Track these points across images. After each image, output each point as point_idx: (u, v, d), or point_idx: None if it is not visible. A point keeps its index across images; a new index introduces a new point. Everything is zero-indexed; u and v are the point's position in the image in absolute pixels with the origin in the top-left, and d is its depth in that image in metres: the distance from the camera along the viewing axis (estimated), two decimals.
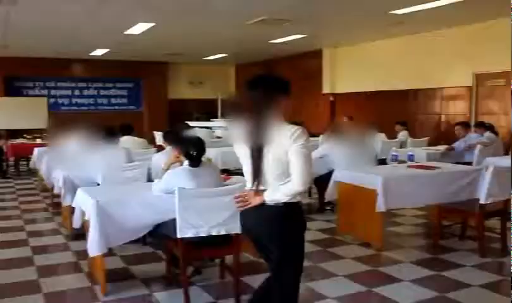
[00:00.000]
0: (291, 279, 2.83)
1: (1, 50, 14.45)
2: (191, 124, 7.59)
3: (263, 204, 2.77)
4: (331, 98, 15.34)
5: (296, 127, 2.70)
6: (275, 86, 2.78)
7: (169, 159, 4.45)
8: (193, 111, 18.72)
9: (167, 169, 4.37)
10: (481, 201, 5.31)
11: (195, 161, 4.17)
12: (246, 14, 10.05)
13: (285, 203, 2.73)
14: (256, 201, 2.78)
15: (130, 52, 15.58)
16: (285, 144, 2.67)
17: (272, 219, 2.76)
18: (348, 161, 6.74)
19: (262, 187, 2.76)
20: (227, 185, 4.25)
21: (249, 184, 2.83)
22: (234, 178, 5.18)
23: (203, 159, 4.26)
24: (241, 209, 2.87)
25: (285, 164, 2.70)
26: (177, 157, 4.38)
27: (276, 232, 2.77)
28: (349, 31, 12.40)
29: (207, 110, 18.49)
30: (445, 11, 9.65)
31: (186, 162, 4.21)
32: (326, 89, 15.54)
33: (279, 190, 2.72)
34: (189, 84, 19.90)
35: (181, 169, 4.19)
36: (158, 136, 12.29)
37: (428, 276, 4.71)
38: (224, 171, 7.37)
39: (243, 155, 2.85)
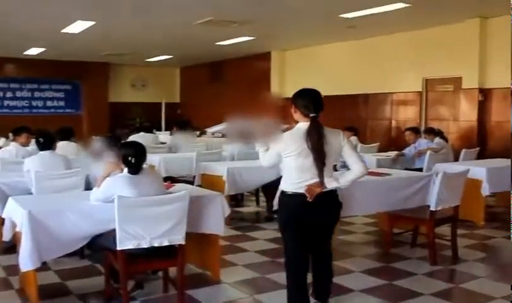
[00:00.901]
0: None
1: None
2: (209, 130, 7.46)
3: (325, 192, 3.72)
4: (280, 103, 15.46)
5: (337, 129, 3.85)
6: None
7: (109, 166, 4.36)
8: (136, 115, 18.50)
9: (107, 176, 4.28)
10: (432, 208, 5.42)
11: (135, 168, 4.12)
12: (192, 15, 10.01)
13: (336, 189, 3.80)
14: (319, 190, 3.71)
15: (68, 52, 15.28)
16: (338, 142, 3.76)
17: (335, 202, 3.85)
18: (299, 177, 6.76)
19: (315, 180, 3.69)
20: (170, 194, 4.21)
21: (304, 178, 3.71)
22: (178, 185, 5.12)
23: (144, 166, 4.21)
24: (311, 199, 3.70)
25: (336, 158, 3.81)
26: (117, 164, 4.29)
27: (337, 212, 3.89)
28: (298, 34, 12.54)
29: (150, 114, 18.31)
30: (395, 16, 9.89)
31: (126, 170, 4.16)
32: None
33: (343, 178, 3.77)
34: (132, 87, 19.73)
35: (120, 176, 4.13)
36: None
37: (379, 286, 4.77)
38: (167, 178, 7.31)
39: (295, 154, 3.69)
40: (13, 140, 7.41)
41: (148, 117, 18.03)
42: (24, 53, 15.40)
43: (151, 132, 12.26)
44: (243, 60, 16.55)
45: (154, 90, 19.71)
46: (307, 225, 3.76)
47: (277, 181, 6.41)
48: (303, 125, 3.73)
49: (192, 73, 19.53)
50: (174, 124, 11.53)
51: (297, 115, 3.81)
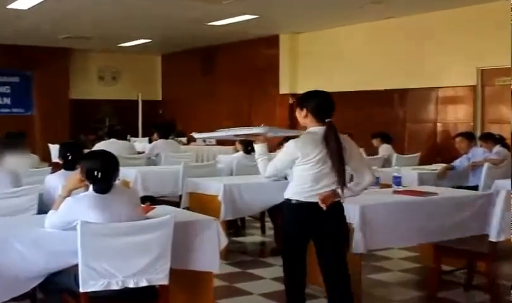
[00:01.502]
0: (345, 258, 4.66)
1: None
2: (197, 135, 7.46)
3: (335, 202, 4.48)
4: (291, 101, 15.46)
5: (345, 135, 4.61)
6: None
7: (70, 182, 4.35)
8: (105, 116, 18.52)
9: (67, 196, 4.25)
10: (492, 238, 5.39)
11: (103, 186, 4.11)
12: None
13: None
14: (333, 199, 4.46)
15: (15, 34, 15.32)
16: (351, 148, 4.54)
17: (342, 211, 4.61)
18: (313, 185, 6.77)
19: (329, 188, 4.46)
20: (149, 219, 4.18)
21: (318, 186, 4.44)
22: (159, 208, 5.10)
23: (116, 182, 4.20)
24: (326, 208, 4.42)
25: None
26: (82, 180, 4.28)
27: (345, 224, 4.71)
28: (313, 12, 12.54)
29: (124, 115, 18.32)
30: None
31: (91, 187, 4.15)
32: (284, 89, 15.66)
33: (356, 187, 4.57)
34: (100, 79, 19.79)
35: (84, 196, 4.12)
36: (55, 150, 12.01)
37: None
38: (145, 199, 7.29)
39: (315, 161, 4.40)
40: None
41: (121, 119, 18.04)
42: None
43: (124, 138, 12.28)
44: (243, 46, 16.57)
45: (128, 84, 19.76)
46: (317, 237, 4.56)
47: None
48: (317, 130, 4.44)
49: (177, 62, 19.55)
50: (154, 128, 11.53)
51: (308, 120, 4.51)
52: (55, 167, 7.66)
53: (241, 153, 9.03)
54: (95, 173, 4.10)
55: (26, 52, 17.55)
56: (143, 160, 10.26)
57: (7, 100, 18.51)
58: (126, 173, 8.24)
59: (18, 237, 4.11)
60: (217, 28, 14.16)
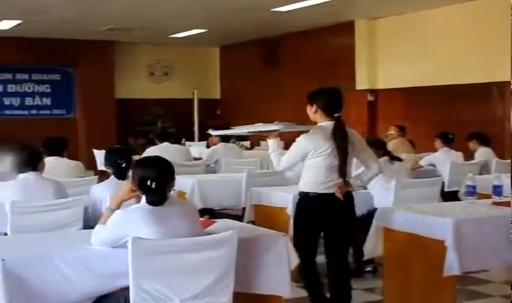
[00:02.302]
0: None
1: None
2: (214, 132, 7.76)
3: (347, 192, 5.52)
4: (369, 97, 15.36)
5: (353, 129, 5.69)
6: None
7: (119, 193, 4.39)
8: (156, 118, 18.63)
9: (116, 208, 4.30)
10: None
11: (157, 197, 4.14)
12: None
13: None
14: (347, 188, 5.49)
15: (54, 26, 15.60)
16: (357, 141, 5.57)
17: (353, 200, 5.61)
18: (398, 195, 6.82)
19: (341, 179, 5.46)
20: (209, 234, 4.19)
21: (332, 177, 5.42)
22: (220, 222, 5.12)
23: (170, 193, 4.23)
24: (342, 197, 5.44)
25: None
26: (133, 190, 4.32)
27: (353, 211, 5.65)
28: None
29: (177, 116, 18.45)
30: None
31: (144, 198, 4.18)
32: (361, 84, 15.55)
33: (364, 176, 5.67)
34: (150, 75, 19.93)
35: (136, 208, 4.16)
36: (100, 157, 12.19)
37: None
38: (204, 212, 7.33)
39: (327, 153, 5.37)
40: None
41: (174, 121, 18.18)
42: None
43: (179, 142, 12.35)
44: (312, 35, 16.52)
45: (182, 80, 19.89)
46: (329, 226, 5.52)
47: (369, 216, 6.41)
48: (327, 124, 5.48)
49: (236, 54, 19.63)
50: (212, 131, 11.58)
51: (317, 115, 5.54)
52: (102, 176, 7.78)
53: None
54: (149, 182, 4.12)
55: (67, 47, 17.86)
56: (201, 168, 10.31)
57: (46, 100, 18.89)
58: (182, 182, 8.27)
59: (61, 255, 4.16)
60: (283, 15, 14.16)
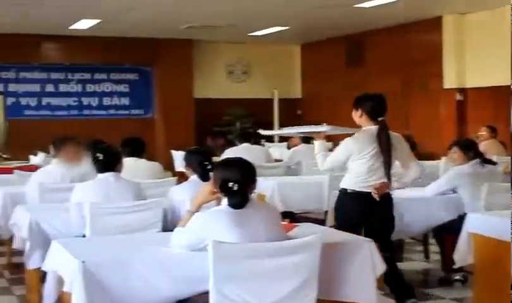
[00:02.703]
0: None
1: None
2: (264, 132, 8.08)
3: (387, 193, 6.03)
4: (458, 97, 15.16)
5: (397, 133, 6.18)
6: None
7: (200, 195, 4.44)
8: (235, 118, 18.68)
9: (197, 211, 4.36)
10: None
11: (239, 199, 4.18)
12: None
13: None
14: (386, 189, 5.99)
15: (133, 25, 15.86)
16: (400, 145, 6.06)
17: (391, 201, 6.15)
18: (490, 201, 6.72)
19: (382, 180, 5.96)
20: (291, 239, 4.22)
21: (372, 178, 5.94)
22: (303, 226, 5.14)
23: (251, 196, 4.26)
24: (379, 197, 5.92)
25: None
26: (214, 192, 4.37)
27: (391, 211, 6.19)
28: None
29: (257, 116, 18.48)
30: None
31: (225, 201, 4.23)
32: (449, 83, 15.34)
33: (404, 178, 6.15)
34: (229, 75, 20.03)
35: (217, 211, 4.21)
36: (179, 158, 12.33)
37: None
38: (285, 215, 7.33)
39: (369, 155, 5.88)
40: (55, 156, 7.73)
41: (254, 121, 18.23)
42: (71, 27, 16.14)
43: (258, 143, 12.36)
44: (396, 32, 16.37)
45: (262, 79, 19.94)
46: (368, 224, 5.99)
47: (458, 221, 6.36)
48: (371, 128, 5.96)
49: (318, 52, 19.57)
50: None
51: (362, 119, 6.03)
52: (180, 177, 7.87)
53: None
54: (231, 184, 4.15)
55: (145, 46, 18.14)
56: (282, 169, 10.32)
57: (125, 100, 19.18)
58: (262, 184, 8.15)
59: (141, 258, 4.26)
60: (367, 11, 14.10)
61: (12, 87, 18.07)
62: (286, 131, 7.68)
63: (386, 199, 6.06)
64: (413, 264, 8.50)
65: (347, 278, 4.59)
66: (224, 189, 4.20)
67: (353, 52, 18.07)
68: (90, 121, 18.21)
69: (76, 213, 5.87)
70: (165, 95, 18.78)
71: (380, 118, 5.91)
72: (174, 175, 9.03)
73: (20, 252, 6.83)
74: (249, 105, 19.01)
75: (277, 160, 11.25)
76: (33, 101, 18.28)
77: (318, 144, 6.22)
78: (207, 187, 4.52)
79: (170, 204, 5.92)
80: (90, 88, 18.83)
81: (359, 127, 6.08)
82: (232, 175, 4.18)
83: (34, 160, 12.16)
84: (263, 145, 13.53)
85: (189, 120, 18.54)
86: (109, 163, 6.05)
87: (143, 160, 8.07)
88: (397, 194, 6.68)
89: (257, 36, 18.06)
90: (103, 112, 18.90)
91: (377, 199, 5.91)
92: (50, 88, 18.48)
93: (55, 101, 18.49)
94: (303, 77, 20.56)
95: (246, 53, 19.90)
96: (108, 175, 6.02)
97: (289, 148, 12.17)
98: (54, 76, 18.49)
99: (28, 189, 7.38)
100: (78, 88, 18.71)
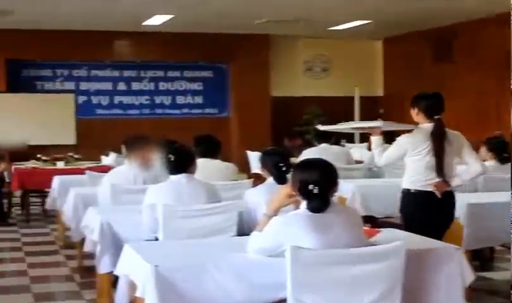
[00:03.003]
0: None
1: (1, 19, 15.17)
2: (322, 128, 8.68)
3: (448, 191, 6.28)
4: None
5: (457, 131, 6.50)
6: None
7: (277, 198, 4.42)
8: (313, 117, 18.63)
9: (274, 215, 4.34)
10: None
11: (320, 203, 4.15)
12: None
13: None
14: (447, 187, 6.25)
15: (207, 20, 15.98)
16: (459, 142, 6.35)
17: (454, 199, 6.42)
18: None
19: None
20: (374, 245, 4.20)
21: (431, 176, 6.23)
22: (386, 232, 5.10)
23: (332, 199, 4.23)
24: (440, 195, 6.24)
25: (455, 157, 6.39)
26: (291, 195, 4.35)
27: (453, 211, 6.46)
28: None
29: (336, 115, 18.39)
30: None
31: (304, 204, 4.20)
32: None
33: (464, 175, 6.39)
34: (307, 72, 20.02)
35: (295, 215, 4.19)
36: (255, 159, 12.34)
37: None
38: (365, 220, 7.28)
39: (425, 152, 6.22)
40: (127, 156, 7.80)
41: (333, 120, 18.11)
42: (144, 23, 16.36)
43: (338, 143, 12.28)
44: (489, 24, 16.09)
45: (342, 76, 19.86)
46: (430, 222, 6.14)
47: None
48: (427, 126, 6.33)
49: (402, 47, 19.38)
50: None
51: (419, 117, 6.41)
52: (256, 179, 7.87)
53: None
54: (312, 187, 4.13)
55: (220, 42, 18.21)
56: (362, 172, 10.25)
57: (198, 99, 19.34)
58: (342, 187, 8.12)
59: (215, 263, 4.27)
60: (456, 3, 13.89)
61: (83, 85, 18.44)
62: (341, 127, 7.97)
63: (449, 198, 6.33)
64: (504, 273, 8.33)
65: (433, 288, 4.53)
66: (303, 191, 4.19)
67: (441, 46, 17.80)
68: (163, 120, 18.41)
69: (149, 215, 5.91)
70: (241, 93, 18.88)
71: (436, 117, 6.27)
72: (249, 177, 9.03)
73: (91, 255, 6.91)
74: (329, 104, 18.92)
75: (357, 162, 11.14)
76: (104, 100, 18.63)
77: (374, 139, 6.57)
78: (285, 189, 4.51)
79: (246, 207, 5.93)
80: (163, 86, 19.07)
81: (417, 124, 6.46)
82: (313, 177, 4.16)
83: (106, 160, 12.34)
84: (343, 145, 13.42)
85: (266, 120, 18.56)
86: (181, 164, 6.08)
87: (218, 161, 8.10)
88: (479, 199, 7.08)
89: (337, 30, 17.99)
90: (177, 111, 19.11)
91: (439, 196, 6.23)
92: (122, 86, 18.79)
93: (127, 99, 18.80)
94: (386, 74, 20.42)
95: (326, 48, 19.87)
96: (180, 177, 6.05)
97: (370, 148, 12.03)
98: (126, 73, 18.79)
99: (100, 190, 7.48)
100: (151, 86, 18.96)
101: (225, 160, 8.57)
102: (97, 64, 18.41)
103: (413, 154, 6.28)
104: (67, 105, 17.23)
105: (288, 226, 4.12)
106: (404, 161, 6.42)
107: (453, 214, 6.47)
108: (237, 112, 18.90)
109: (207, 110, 19.32)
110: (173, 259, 4.41)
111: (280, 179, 5.74)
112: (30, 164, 12.38)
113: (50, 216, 11.57)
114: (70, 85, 18.28)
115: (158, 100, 19.01)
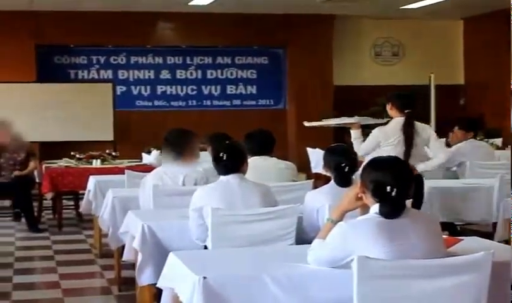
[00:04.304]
0: None
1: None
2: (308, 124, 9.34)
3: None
4: None
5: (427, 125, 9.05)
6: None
7: (343, 201, 4.41)
8: (383, 109, 18.45)
9: (339, 220, 4.33)
10: None
11: (393, 207, 4.13)
12: None
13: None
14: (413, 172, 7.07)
15: None
16: (427, 134, 8.32)
17: (420, 182, 7.92)
18: None
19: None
20: (453, 256, 4.16)
21: None
22: (467, 240, 5.07)
23: (407, 203, 4.22)
24: None
25: (423, 148, 8.39)
26: (359, 198, 4.32)
27: (421, 191, 7.92)
28: None
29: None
30: None
31: (375, 208, 4.18)
32: None
33: (429, 162, 8.24)
34: (375, 57, 19.97)
35: (365, 220, 4.17)
36: (316, 157, 12.32)
37: None
38: (443, 227, 7.24)
39: (395, 143, 7.95)
40: (169, 155, 7.81)
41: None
42: (190, 4, 16.42)
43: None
44: None
45: (416, 63, 19.69)
46: None
47: None
48: (399, 119, 8.13)
49: (487, 29, 19.16)
50: (456, 124, 11.33)
51: (393, 112, 8.27)
52: (317, 180, 7.86)
53: None
54: (389, 189, 4.10)
55: (276, 23, 18.20)
56: (440, 171, 10.17)
57: (252, 89, 19.27)
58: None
59: (271, 274, 4.27)
60: None
61: (122, 74, 18.51)
62: (326, 123, 9.67)
63: (416, 180, 7.24)
64: None
65: None
66: (378, 194, 4.16)
67: None
68: (211, 113, 18.45)
69: (196, 220, 5.96)
70: (300, 82, 18.80)
71: (407, 111, 8.14)
72: (309, 178, 9.02)
73: (131, 266, 6.94)
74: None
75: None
76: (146, 90, 18.67)
77: (354, 132, 8.41)
78: (352, 191, 4.49)
79: (306, 211, 5.94)
80: (212, 74, 19.04)
81: (391, 118, 8.35)
82: (387, 178, 4.14)
83: (147, 158, 12.39)
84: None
85: (328, 112, 18.35)
86: (233, 163, 6.08)
87: (274, 160, 8.13)
88: None
89: (410, 9, 17.87)
90: (227, 103, 19.10)
91: None
92: (165, 74, 18.80)
93: (171, 89, 18.82)
94: (467, 60, 20.21)
95: (397, 30, 19.78)
96: (231, 178, 6.05)
97: (449, 145, 11.87)
98: (170, 60, 18.80)
99: (141, 192, 7.52)
100: (198, 74, 18.94)
101: (282, 158, 8.55)
102: (137, 50, 18.47)
103: (385, 144, 8.01)
104: (104, 96, 17.24)
105: (357, 233, 4.09)
106: (378, 152, 7.82)
107: (422, 194, 7.90)
108: (296, 104, 18.79)
109: (261, 102, 19.28)
110: (223, 270, 4.42)
111: (342, 181, 5.75)
112: (63, 163, 12.52)
113: (85, 221, 11.70)
114: (107, 74, 18.39)
115: (206, 90, 19.00)
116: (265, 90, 19.27)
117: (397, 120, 8.15)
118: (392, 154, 6.78)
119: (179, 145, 7.60)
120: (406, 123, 8.08)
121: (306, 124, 9.37)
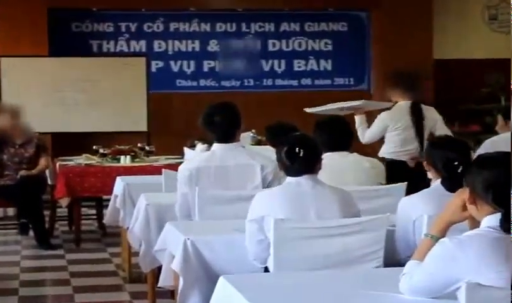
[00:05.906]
0: None
1: None
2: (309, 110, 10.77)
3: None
4: None
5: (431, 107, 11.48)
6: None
7: (447, 211, 4.37)
8: (499, 90, 18.36)
9: (442, 235, 4.29)
10: None
11: None
12: None
13: None
14: (419, 158, 9.62)
15: None
16: (433, 117, 10.84)
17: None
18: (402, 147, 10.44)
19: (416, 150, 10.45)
20: None
21: (407, 147, 10.41)
22: None
23: None
24: (413, 165, 10.31)
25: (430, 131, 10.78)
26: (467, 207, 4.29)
27: (425, 180, 7.60)
28: None
29: None
30: None
31: (489, 220, 4.11)
32: None
33: None
34: (489, 22, 19.84)
35: (477, 237, 4.09)
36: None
37: None
38: None
39: (402, 128, 10.39)
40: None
41: None
42: None
43: None
44: None
45: None
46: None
47: None
48: (404, 103, 10.23)
49: None
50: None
51: (397, 95, 10.29)
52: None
53: None
54: None
55: None
56: None
57: (326, 64, 19.32)
58: None
59: None
60: None
61: (159, 46, 18.67)
62: (327, 108, 10.58)
63: (421, 168, 7.27)
64: None
65: None
66: (499, 201, 4.06)
67: None
68: (273, 95, 18.56)
69: (255, 235, 5.95)
70: (389, 56, 18.64)
71: (413, 94, 9.95)
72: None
73: (169, 293, 6.97)
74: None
75: None
76: (189, 66, 18.79)
77: (357, 118, 10.23)
78: (458, 198, 4.43)
79: (399, 224, 5.93)
80: (274, 45, 19.16)
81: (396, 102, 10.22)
82: (502, 180, 4.05)
83: (190, 153, 12.35)
84: None
85: (425, 94, 18.35)
86: (307, 162, 6.04)
87: (355, 156, 8.10)
88: None
89: None
90: (293, 82, 19.18)
91: (411, 165, 10.12)
92: (214, 46, 18.86)
93: (221, 66, 18.90)
94: None
95: None
96: (301, 179, 6.02)
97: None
98: (221, 27, 18.91)
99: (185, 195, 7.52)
100: (256, 45, 19.04)
101: (365, 154, 8.48)
102: (178, 15, 18.63)
103: (393, 129, 10.04)
104: (136, 75, 17.39)
105: (466, 253, 4.01)
106: (385, 136, 9.96)
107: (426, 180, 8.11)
108: (383, 84, 18.68)
109: (338, 81, 19.33)
110: (290, 300, 4.42)
111: (453, 184, 5.62)
112: (82, 160, 12.52)
113: (110, 236, 11.77)
114: (140, 45, 18.57)
115: (266, 65, 19.10)
116: (343, 66, 19.36)
117: (403, 104, 10.17)
118: (401, 137, 9.55)
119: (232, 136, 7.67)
120: (415, 107, 10.00)
121: (308, 110, 10.65)
